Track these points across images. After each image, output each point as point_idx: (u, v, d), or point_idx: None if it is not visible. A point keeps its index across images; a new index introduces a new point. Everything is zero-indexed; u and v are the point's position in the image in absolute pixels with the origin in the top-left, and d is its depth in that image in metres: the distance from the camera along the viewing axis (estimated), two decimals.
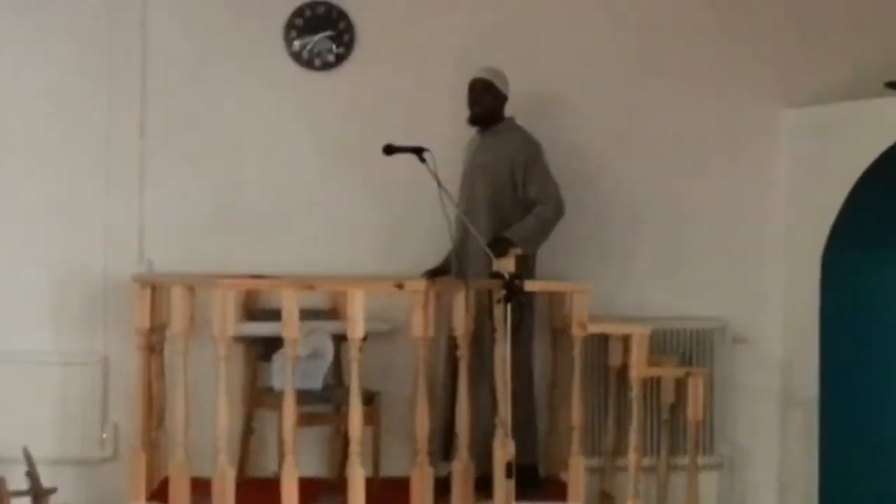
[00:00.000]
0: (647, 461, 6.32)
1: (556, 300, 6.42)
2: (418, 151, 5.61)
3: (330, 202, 6.63)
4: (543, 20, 6.75)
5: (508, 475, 5.33)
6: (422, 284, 5.79)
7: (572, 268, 6.61)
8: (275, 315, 5.82)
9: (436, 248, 6.34)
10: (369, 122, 6.53)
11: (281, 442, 5.82)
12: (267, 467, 6.38)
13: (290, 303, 5.63)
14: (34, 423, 6.28)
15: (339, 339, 6.08)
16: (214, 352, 5.67)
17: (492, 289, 5.69)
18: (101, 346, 6.46)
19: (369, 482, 5.79)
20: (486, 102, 6.29)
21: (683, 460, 6.40)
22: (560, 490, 6.12)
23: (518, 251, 5.95)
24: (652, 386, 6.41)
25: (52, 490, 5.77)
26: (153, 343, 6.05)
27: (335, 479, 6.21)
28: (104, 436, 6.45)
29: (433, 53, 6.63)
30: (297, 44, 6.63)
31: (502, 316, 5.44)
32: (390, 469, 6.18)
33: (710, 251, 6.87)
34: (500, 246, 5.85)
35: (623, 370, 6.34)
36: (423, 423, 5.78)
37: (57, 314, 6.46)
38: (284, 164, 6.63)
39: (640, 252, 6.84)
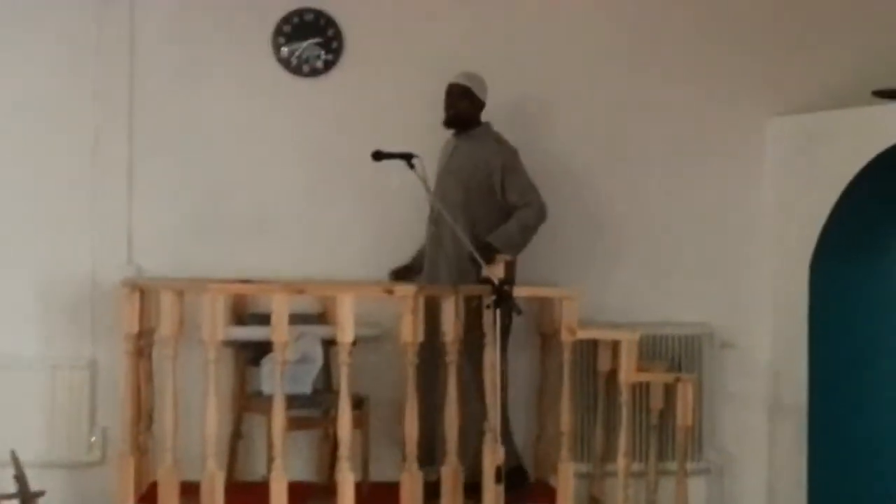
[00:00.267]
0: (635, 466, 6.31)
1: (544, 306, 6.42)
2: (407, 157, 5.66)
3: (318, 208, 6.64)
4: (531, 27, 6.77)
5: (498, 480, 5.35)
6: (411, 290, 5.79)
7: (559, 273, 6.62)
8: (263, 319, 5.83)
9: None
10: (357, 128, 6.54)
11: (270, 446, 5.82)
12: (255, 472, 6.37)
13: (279, 307, 5.63)
14: (22, 427, 6.26)
15: (328, 344, 6.08)
16: (203, 356, 5.66)
17: (481, 294, 5.71)
18: (89, 349, 6.45)
19: (358, 486, 5.80)
20: (461, 107, 6.29)
21: (672, 466, 6.41)
22: (549, 495, 6.14)
23: (507, 257, 5.98)
24: (641, 391, 6.42)
25: (40, 493, 5.73)
26: (141, 347, 6.04)
27: (324, 483, 6.21)
28: (92, 439, 6.44)
29: (421, 60, 6.63)
30: (285, 50, 6.63)
31: (491, 321, 5.47)
32: (378, 473, 6.18)
33: (698, 257, 6.89)
34: (486, 252, 5.86)
35: (611, 376, 6.35)
36: (412, 428, 5.78)
37: (45, 318, 6.44)
38: (273, 170, 6.63)
39: (628, 258, 6.85)
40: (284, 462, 5.67)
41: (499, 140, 6.31)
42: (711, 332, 6.81)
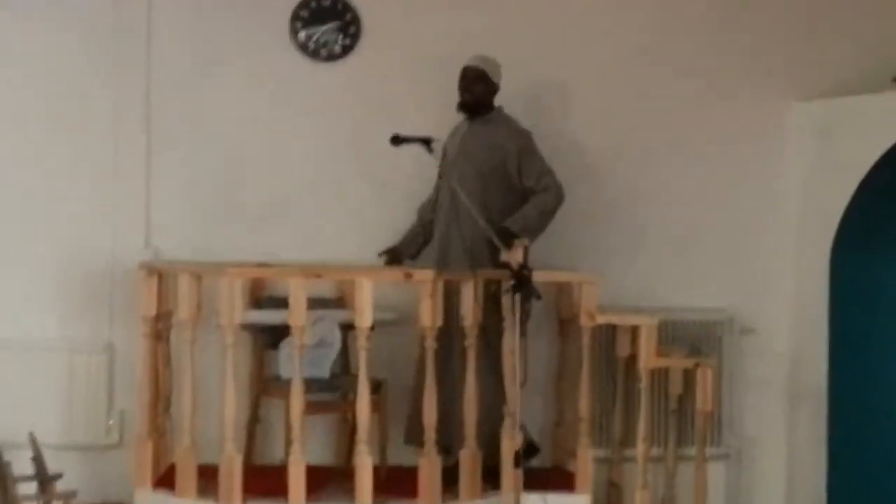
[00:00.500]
0: (654, 452, 6.29)
1: (562, 290, 6.40)
2: (426, 141, 5.63)
3: (335, 192, 6.63)
4: (551, 12, 6.74)
5: (517, 465, 5.33)
6: (430, 274, 5.76)
7: (576, 258, 6.59)
8: (281, 303, 5.81)
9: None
10: (375, 113, 6.52)
11: (287, 430, 5.80)
12: (273, 455, 6.38)
13: (297, 291, 5.60)
14: (40, 409, 6.28)
15: (345, 328, 6.06)
16: (220, 340, 5.65)
17: (499, 279, 5.69)
18: (106, 332, 6.46)
19: (376, 470, 5.76)
20: (476, 91, 6.26)
21: (690, 451, 6.38)
22: (568, 481, 6.11)
23: (525, 241, 5.95)
24: (660, 377, 6.39)
25: (58, 476, 5.75)
26: (159, 330, 6.03)
27: (342, 467, 6.20)
28: (110, 422, 6.46)
29: (439, 44, 6.59)
30: (302, 35, 6.60)
31: (510, 306, 5.44)
32: (395, 457, 6.17)
33: (718, 242, 6.86)
34: (504, 236, 5.82)
35: (630, 361, 6.32)
36: (431, 411, 5.75)
37: (63, 301, 6.45)
38: (290, 154, 6.62)
39: (647, 243, 6.83)
40: (303, 445, 5.66)
41: (513, 124, 6.28)
42: (731, 317, 6.79)
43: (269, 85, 6.59)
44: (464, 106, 6.28)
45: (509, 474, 5.64)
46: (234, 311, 5.63)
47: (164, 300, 5.98)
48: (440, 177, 6.25)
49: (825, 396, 6.61)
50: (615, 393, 6.54)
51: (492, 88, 6.28)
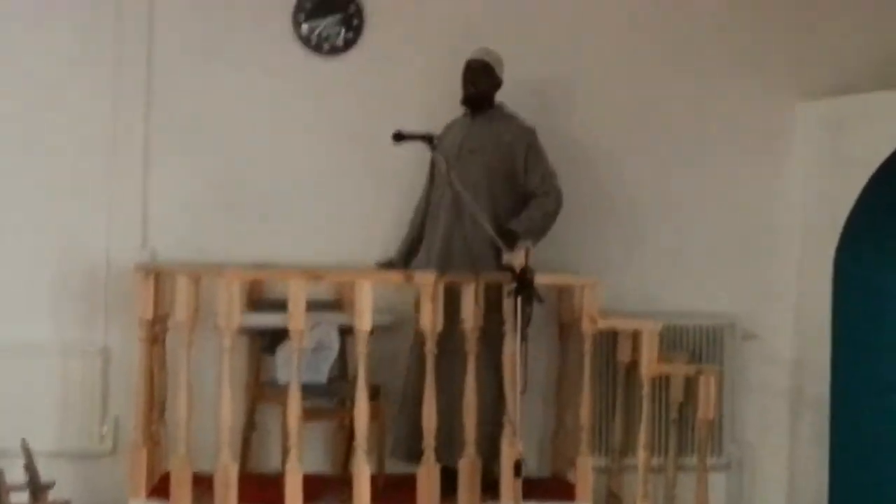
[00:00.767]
0: (654, 461, 6.20)
1: (563, 294, 6.32)
2: (428, 139, 5.56)
3: (337, 190, 6.55)
4: (555, 9, 6.69)
5: (517, 474, 5.25)
6: (431, 277, 5.69)
7: (577, 260, 6.53)
8: (279, 306, 5.74)
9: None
10: (378, 108, 6.45)
11: (284, 437, 5.72)
12: (269, 463, 6.29)
13: (297, 293, 5.54)
14: (33, 415, 6.18)
15: (343, 332, 5.99)
16: (217, 343, 5.60)
17: (501, 282, 5.61)
18: (101, 336, 6.35)
19: (374, 479, 5.71)
20: (482, 84, 6.19)
21: (691, 461, 6.32)
22: (568, 490, 6.04)
23: (528, 244, 5.87)
24: (661, 383, 6.32)
25: (51, 484, 5.66)
26: (156, 333, 5.96)
27: (339, 474, 6.12)
28: (104, 429, 6.36)
29: (443, 39, 6.54)
30: (305, 27, 6.53)
31: (512, 309, 5.36)
32: (393, 466, 6.08)
33: (721, 246, 6.80)
34: (508, 238, 5.75)
35: (632, 367, 6.26)
36: (431, 418, 5.69)
37: (57, 303, 6.34)
38: (291, 151, 6.53)
39: (648, 245, 6.76)
40: (300, 453, 5.58)
41: (518, 120, 6.22)
42: (733, 322, 6.72)
43: (270, 80, 6.50)
44: (468, 100, 6.20)
45: (509, 483, 5.56)
46: (233, 313, 5.56)
47: (160, 302, 5.90)
48: (431, 174, 6.19)
49: (828, 404, 6.55)
50: (615, 400, 6.48)
51: (496, 82, 6.22)
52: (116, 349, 6.31)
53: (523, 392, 5.30)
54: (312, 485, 5.68)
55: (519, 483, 5.15)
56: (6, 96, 6.34)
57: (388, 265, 6.25)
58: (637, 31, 6.74)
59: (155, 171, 6.42)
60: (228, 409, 5.59)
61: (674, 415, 6.35)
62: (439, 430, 5.76)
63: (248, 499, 5.64)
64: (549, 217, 6.10)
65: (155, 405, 5.99)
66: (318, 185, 6.53)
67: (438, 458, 5.76)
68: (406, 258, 6.30)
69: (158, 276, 5.87)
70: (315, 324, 5.86)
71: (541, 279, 5.57)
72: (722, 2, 6.81)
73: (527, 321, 5.29)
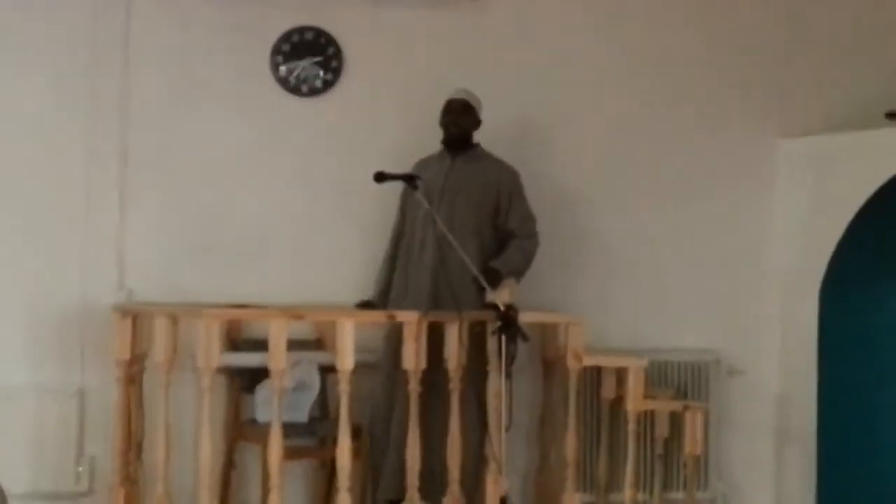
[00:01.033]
0: (639, 496, 6.17)
1: (547, 332, 6.27)
2: (410, 179, 5.56)
3: (315, 230, 6.47)
4: (532, 49, 6.65)
5: None
6: (415, 316, 5.64)
7: (558, 298, 6.49)
8: (258, 345, 5.68)
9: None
10: (357, 149, 6.41)
11: (264, 476, 5.64)
12: (249, 502, 6.20)
13: (277, 333, 5.47)
14: (7, 456, 6.01)
15: (324, 371, 5.92)
16: (195, 383, 5.52)
17: (485, 320, 5.57)
18: (77, 376, 6.21)
19: None
20: (464, 124, 6.15)
21: (676, 496, 6.31)
22: None
23: (512, 282, 5.84)
24: (646, 419, 6.27)
25: None
26: (133, 374, 5.88)
27: None
28: (80, 469, 6.23)
29: (422, 80, 6.48)
30: (283, 69, 6.47)
31: (496, 348, 5.32)
32: None
33: (704, 282, 6.79)
34: (492, 277, 5.72)
35: (616, 403, 6.21)
36: (414, 457, 5.63)
37: (32, 343, 6.19)
38: (269, 192, 6.44)
39: (631, 283, 6.74)
40: (281, 493, 5.49)
41: (502, 162, 6.19)
42: (718, 358, 6.69)
43: (248, 121, 6.42)
44: (450, 139, 6.15)
45: None
46: (212, 354, 5.47)
47: (137, 342, 5.83)
48: (403, 211, 6.14)
49: (814, 439, 6.53)
50: (599, 436, 6.42)
51: (476, 122, 6.19)
52: (93, 390, 6.17)
53: (508, 429, 5.27)
54: None
55: None
56: None
57: (367, 305, 6.19)
58: (614, 71, 6.73)
59: (131, 211, 6.30)
60: (207, 450, 5.50)
61: (659, 450, 6.30)
62: (423, 467, 5.70)
63: None
64: (529, 257, 6.08)
65: (132, 445, 5.90)
66: (295, 226, 6.45)
67: (423, 496, 5.70)
68: (383, 298, 6.23)
69: (136, 317, 5.80)
70: (295, 362, 5.78)
71: (525, 318, 5.56)
72: (702, 40, 6.81)
73: (511, 359, 5.26)
